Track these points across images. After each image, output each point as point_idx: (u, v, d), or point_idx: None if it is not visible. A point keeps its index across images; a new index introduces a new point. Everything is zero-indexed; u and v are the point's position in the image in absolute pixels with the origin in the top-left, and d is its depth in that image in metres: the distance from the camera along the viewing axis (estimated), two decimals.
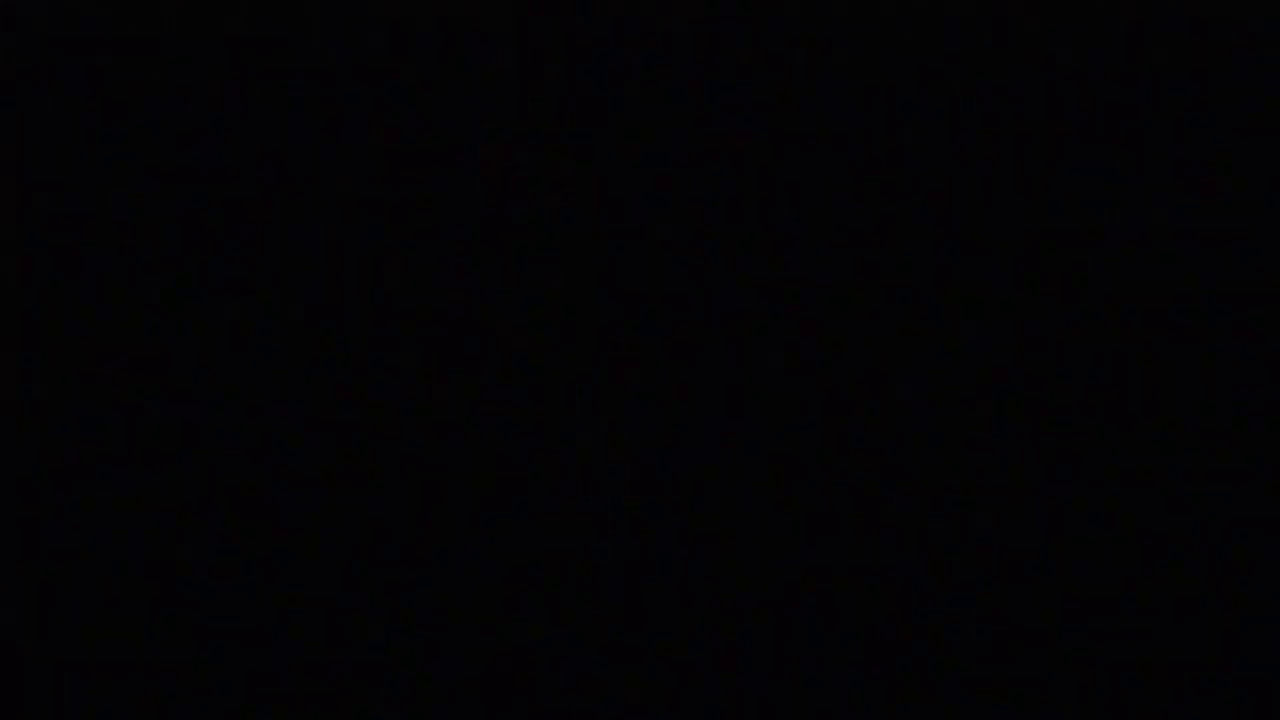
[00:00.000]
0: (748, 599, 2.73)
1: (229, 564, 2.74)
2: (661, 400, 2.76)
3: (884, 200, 2.78)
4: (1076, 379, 2.75)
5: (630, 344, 2.77)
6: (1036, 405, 2.75)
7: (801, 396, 2.76)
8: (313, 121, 2.79)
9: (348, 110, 2.80)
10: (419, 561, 2.75)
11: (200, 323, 2.77)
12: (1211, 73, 2.78)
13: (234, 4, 2.81)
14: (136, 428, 2.76)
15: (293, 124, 2.79)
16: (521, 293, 2.78)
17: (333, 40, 2.80)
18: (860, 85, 2.78)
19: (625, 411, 2.76)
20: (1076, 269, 2.76)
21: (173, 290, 2.78)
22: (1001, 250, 2.77)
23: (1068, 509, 2.74)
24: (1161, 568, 2.73)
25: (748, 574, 2.74)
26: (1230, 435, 2.74)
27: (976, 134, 2.78)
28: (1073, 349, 2.76)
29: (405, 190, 2.79)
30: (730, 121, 2.79)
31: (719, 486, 2.75)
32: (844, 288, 2.77)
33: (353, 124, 2.80)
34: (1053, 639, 2.72)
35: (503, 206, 2.79)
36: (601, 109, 2.79)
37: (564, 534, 2.75)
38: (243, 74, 2.80)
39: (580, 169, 2.79)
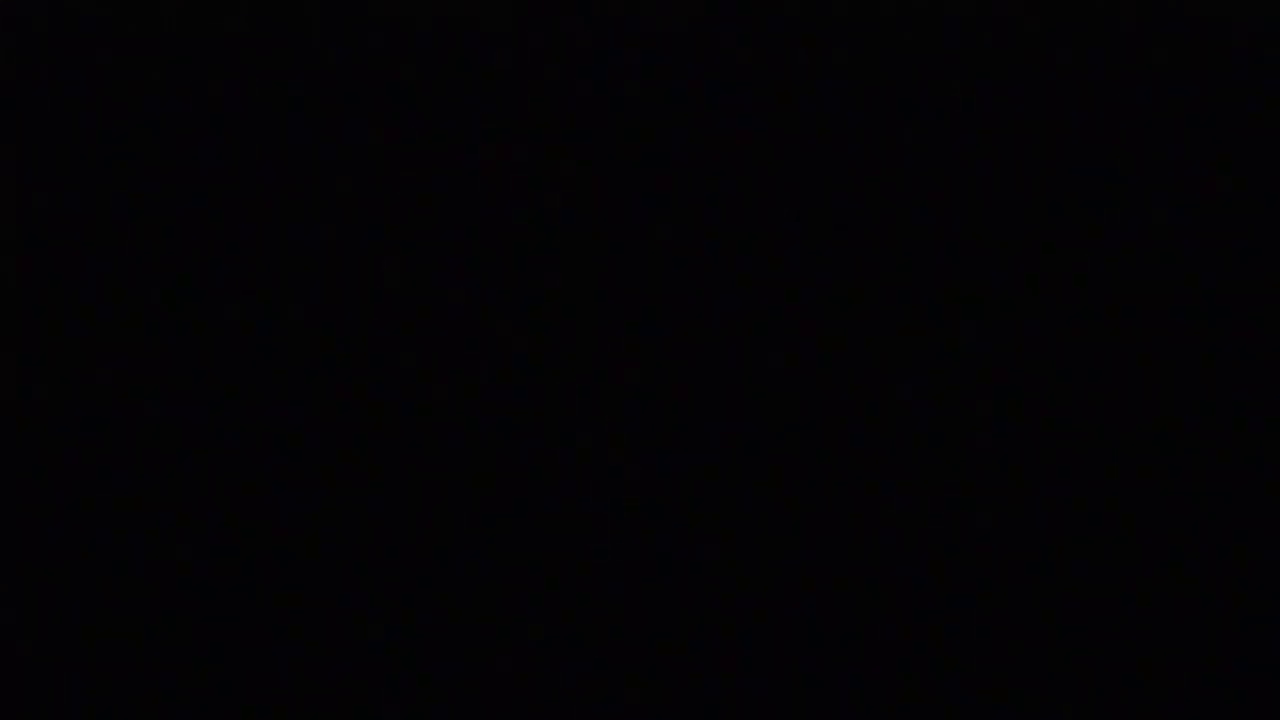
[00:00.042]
0: (748, 599, 2.73)
1: (229, 564, 2.74)
2: (661, 400, 2.76)
3: (884, 200, 2.78)
4: (1076, 379, 2.75)
5: (630, 344, 2.77)
6: (1036, 405, 2.75)
7: (801, 396, 2.76)
8: (313, 121, 2.79)
9: (348, 110, 2.80)
10: (419, 561, 2.75)
11: (200, 323, 2.77)
12: (1211, 73, 2.78)
13: (234, 4, 2.81)
14: (136, 428, 2.76)
15: (293, 124, 2.79)
16: (521, 293, 2.78)
17: (333, 40, 2.80)
18: (860, 85, 2.79)
19: (625, 411, 2.76)
20: (1076, 269, 2.76)
21: (173, 290, 2.78)
22: (1001, 250, 2.77)
23: (1068, 509, 2.74)
24: (1161, 568, 2.73)
25: (748, 574, 2.74)
26: (1230, 435, 2.74)
27: (976, 134, 2.78)
28: (1073, 349, 2.76)
29: (405, 190, 2.79)
30: (730, 121, 2.79)
31: (719, 486, 2.75)
32: (844, 288, 2.77)
33: (353, 124, 2.80)
34: (1053, 639, 2.72)
35: (503, 206, 2.79)
36: (601, 109, 2.79)
37: (564, 534, 2.75)
38: (243, 74, 2.80)
39: (580, 169, 2.79)
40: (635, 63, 2.79)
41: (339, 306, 2.77)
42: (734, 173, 2.78)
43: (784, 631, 2.73)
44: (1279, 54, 2.78)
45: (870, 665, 2.72)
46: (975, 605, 2.73)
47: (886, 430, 2.75)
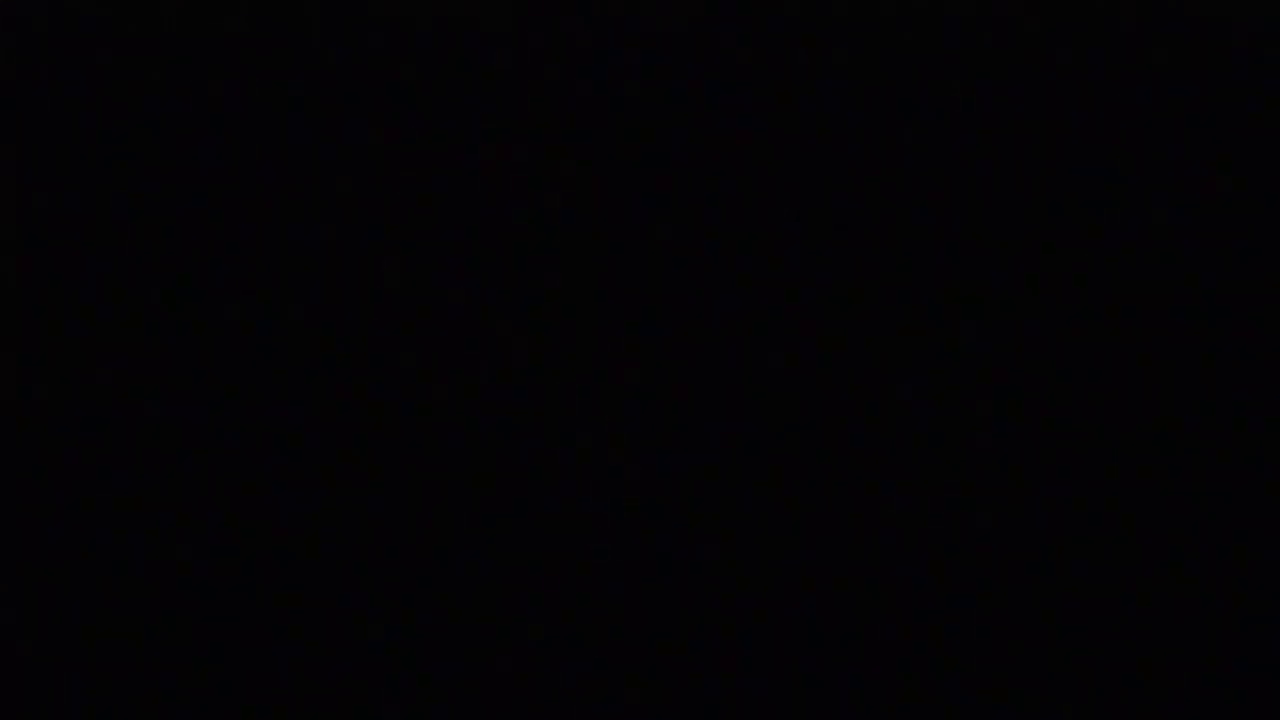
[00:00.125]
0: (748, 599, 2.73)
1: (229, 564, 2.74)
2: (661, 400, 2.76)
3: (884, 200, 2.78)
4: (1076, 379, 2.75)
5: (630, 344, 2.77)
6: (1036, 405, 2.75)
7: (801, 396, 2.76)
8: (313, 121, 2.79)
9: (348, 110, 2.80)
10: (419, 561, 2.75)
11: (200, 323, 2.77)
12: (1211, 73, 2.78)
13: (234, 4, 2.81)
14: (136, 428, 2.76)
15: (293, 124, 2.79)
16: (521, 293, 2.78)
17: (333, 40, 2.80)
18: (860, 85, 2.79)
19: (625, 411, 2.76)
20: (1076, 269, 2.76)
21: (173, 290, 2.78)
22: (1001, 250, 2.77)
23: (1068, 509, 2.74)
24: (1161, 568, 2.73)
25: (748, 574, 2.74)
26: (1230, 435, 2.74)
27: (976, 134, 2.78)
28: (1073, 349, 2.76)
29: (405, 190, 2.79)
30: (730, 121, 2.79)
31: (719, 486, 2.75)
32: (844, 288, 2.77)
33: (353, 124, 2.80)
34: (1053, 639, 2.72)
35: (503, 206, 2.79)
36: (601, 109, 2.79)
37: (564, 534, 2.75)
38: (243, 74, 2.80)
39: (580, 169, 2.79)
40: (635, 63, 2.79)
41: (339, 306, 2.77)
42: (734, 173, 2.78)
43: (784, 631, 2.73)
44: (1279, 54, 2.78)
45: (870, 665, 2.72)
46: (975, 605, 2.73)
47: (886, 430, 2.75)
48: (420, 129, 2.80)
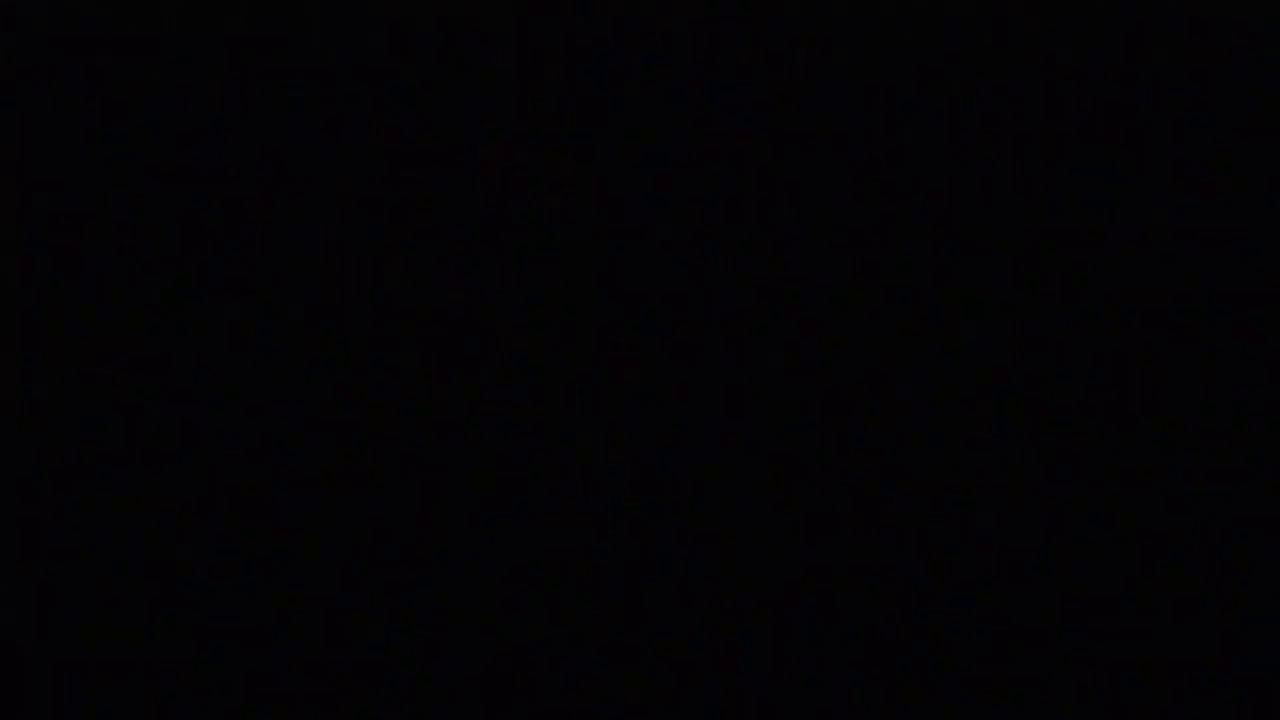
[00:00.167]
0: (748, 599, 2.73)
1: (229, 564, 2.74)
2: (661, 400, 2.76)
3: (884, 200, 2.78)
4: (1076, 379, 2.75)
5: (630, 344, 2.77)
6: (1036, 405, 2.75)
7: (801, 396, 2.76)
8: (313, 121, 2.79)
9: (348, 110, 2.80)
10: (419, 561, 2.75)
11: (200, 323, 2.77)
12: (1211, 73, 2.78)
13: (234, 4, 2.81)
14: (136, 428, 2.76)
15: (293, 124, 2.79)
16: (521, 293, 2.78)
17: (333, 40, 2.80)
18: (860, 85, 2.79)
19: (625, 411, 2.76)
20: (1076, 269, 2.76)
21: (173, 290, 2.78)
22: (1001, 250, 2.77)
23: (1068, 509, 2.74)
24: (1161, 568, 2.73)
25: (748, 574, 2.74)
26: (1230, 435, 2.74)
27: (976, 134, 2.78)
28: (1073, 349, 2.76)
29: (405, 190, 2.79)
30: (730, 121, 2.79)
31: (719, 486, 2.75)
32: (844, 288, 2.77)
33: (353, 124, 2.80)
34: (1053, 639, 2.72)
35: (503, 206, 2.79)
36: (601, 109, 2.79)
37: (564, 534, 2.75)
38: (243, 74, 2.80)
39: (580, 169, 2.79)
40: (635, 63, 2.79)
41: (339, 306, 2.77)
42: (734, 173, 2.78)
43: (784, 631, 2.73)
44: (1279, 54, 2.78)
45: (870, 665, 2.72)
46: (975, 605, 2.73)
47: (886, 430, 2.75)
48: (420, 129, 2.80)
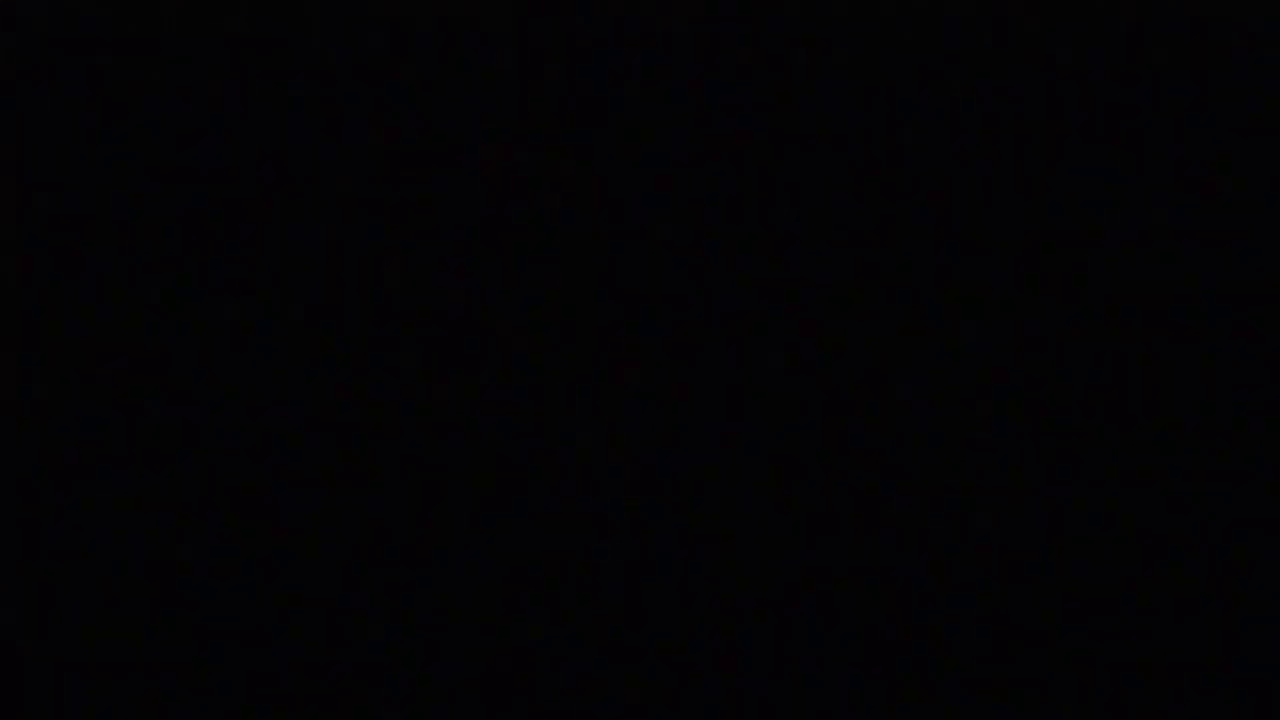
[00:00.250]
0: (748, 599, 2.73)
1: (229, 564, 2.74)
2: (661, 400, 2.76)
3: (884, 200, 2.78)
4: (1076, 379, 2.75)
5: (630, 344, 2.77)
6: (1036, 405, 2.75)
7: (801, 396, 2.76)
8: (313, 121, 2.79)
9: (348, 110, 2.80)
10: (419, 561, 2.75)
11: (200, 323, 2.77)
12: (1211, 73, 2.78)
13: (234, 4, 2.81)
14: (136, 428, 2.76)
15: (293, 124, 2.79)
16: (521, 293, 2.78)
17: (333, 40, 2.80)
18: (860, 85, 2.78)
19: (625, 411, 2.76)
20: (1076, 269, 2.76)
21: (173, 290, 2.78)
22: (1001, 250, 2.77)
23: (1068, 509, 2.74)
24: (1161, 568, 2.73)
25: (748, 574, 2.74)
26: (1230, 435, 2.74)
27: (976, 134, 2.78)
28: (1073, 349, 2.76)
29: (405, 190, 2.79)
30: (730, 121, 2.79)
31: (719, 486, 2.75)
32: (844, 288, 2.77)
33: (353, 124, 2.80)
34: (1053, 639, 2.72)
35: (503, 206, 2.79)
36: (601, 109, 2.79)
37: (564, 534, 2.75)
38: (243, 74, 2.80)
39: (580, 169, 2.78)
40: (635, 63, 2.79)
41: (339, 306, 2.77)
42: (734, 173, 2.78)
43: (784, 631, 2.73)
44: (1279, 54, 2.78)
45: (870, 665, 2.72)
46: (975, 605, 2.73)
47: (886, 430, 2.75)
48: (420, 129, 2.80)
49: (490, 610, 2.74)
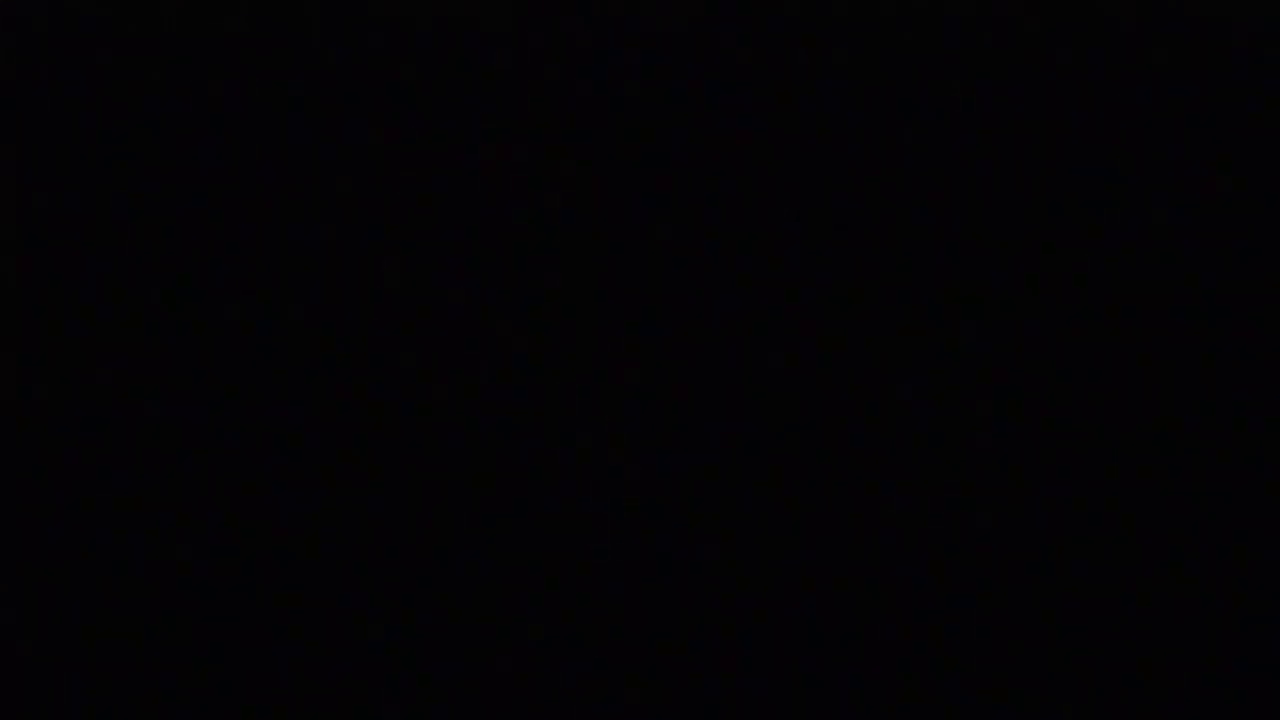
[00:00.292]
0: (748, 599, 2.73)
1: (229, 564, 2.74)
2: (661, 400, 2.76)
3: (884, 200, 2.78)
4: (1076, 379, 2.75)
5: (630, 344, 2.77)
6: (1036, 405, 2.75)
7: (801, 396, 2.76)
8: (313, 121, 2.79)
9: (348, 110, 2.80)
10: (419, 561, 2.75)
11: (200, 323, 2.77)
12: (1211, 73, 2.78)
13: (234, 4, 2.81)
14: (136, 428, 2.76)
15: (293, 124, 2.79)
16: (521, 293, 2.78)
17: (333, 40, 2.80)
18: (860, 85, 2.78)
19: (625, 411, 2.76)
20: (1076, 269, 2.76)
21: (173, 290, 2.78)
22: (1001, 250, 2.77)
23: (1068, 509, 2.74)
24: (1161, 568, 2.73)
25: (748, 574, 2.74)
26: (1230, 435, 2.74)
27: (976, 134, 2.78)
28: (1073, 349, 2.76)
29: (405, 190, 2.79)
30: (730, 121, 2.79)
31: (719, 486, 2.75)
32: (844, 288, 2.77)
33: (353, 124, 2.80)
34: (1053, 639, 2.72)
35: (503, 206, 2.79)
36: (601, 109, 2.79)
37: (564, 534, 2.75)
38: (243, 74, 2.80)
39: (580, 169, 2.79)
40: (635, 63, 2.79)
41: (339, 306, 2.77)
42: (734, 173, 2.78)
43: (784, 631, 2.73)
44: (1279, 54, 2.78)
45: (870, 665, 2.72)
46: (975, 605, 2.73)
47: (886, 430, 2.75)
48: (420, 129, 2.80)
49: (490, 610, 2.74)
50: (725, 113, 2.79)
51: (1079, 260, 2.76)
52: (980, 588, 2.73)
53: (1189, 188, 2.77)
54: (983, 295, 2.76)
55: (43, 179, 2.80)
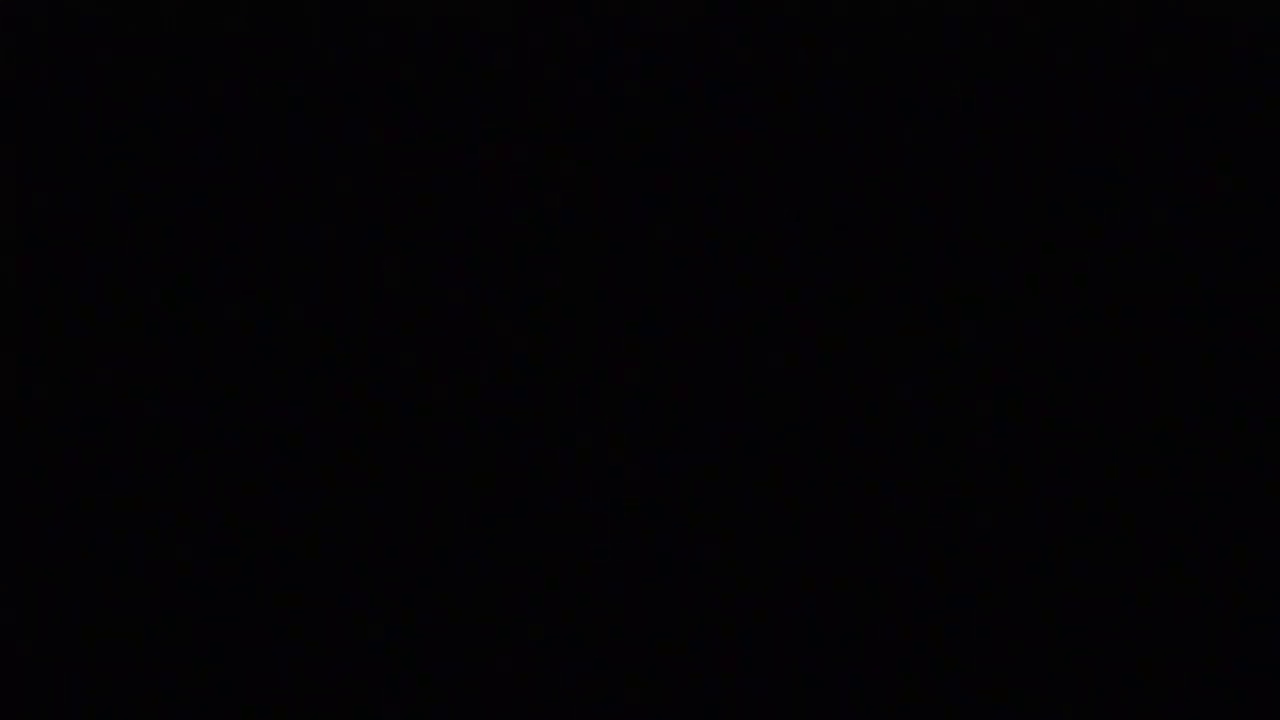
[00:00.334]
0: (748, 599, 2.73)
1: (229, 564, 2.74)
2: (661, 400, 2.76)
3: (884, 200, 2.78)
4: (1076, 379, 2.75)
5: (630, 344, 2.77)
6: (1036, 405, 2.75)
7: (801, 396, 2.76)
8: (313, 121, 2.79)
9: (348, 110, 2.80)
10: (419, 561, 2.75)
11: (200, 323, 2.77)
12: (1211, 73, 2.78)
13: (234, 4, 2.81)
14: (136, 428, 2.76)
15: (293, 124, 2.79)
16: (521, 293, 2.78)
17: (333, 40, 2.80)
18: (860, 85, 2.79)
19: (625, 411, 2.76)
20: (1076, 269, 2.76)
21: (173, 290, 2.78)
22: (1001, 250, 2.77)
23: (1068, 509, 2.74)
24: (1161, 568, 2.73)
25: (748, 574, 2.74)
26: (1230, 435, 2.74)
27: (976, 134, 2.78)
28: (1073, 349, 2.76)
29: (405, 190, 2.79)
30: (730, 121, 2.79)
31: (719, 486, 2.75)
32: (844, 288, 2.77)
33: (353, 124, 2.80)
34: (1053, 639, 2.72)
35: (503, 206, 2.79)
36: (601, 109, 2.79)
37: (564, 534, 2.75)
38: (243, 74, 2.80)
39: (580, 169, 2.79)
40: (635, 63, 2.79)
41: (339, 306, 2.77)
42: (734, 173, 2.78)
43: (784, 631, 2.73)
44: (1279, 54, 2.78)
45: (870, 665, 2.72)
46: (975, 605, 2.73)
47: (887, 430, 2.75)
48: (420, 129, 2.80)
49: (490, 610, 2.74)
50: (725, 113, 2.79)
51: (1079, 260, 2.76)
52: (980, 588, 2.73)
53: (1189, 188, 2.77)
54: (983, 295, 2.76)
55: (43, 179, 2.80)
